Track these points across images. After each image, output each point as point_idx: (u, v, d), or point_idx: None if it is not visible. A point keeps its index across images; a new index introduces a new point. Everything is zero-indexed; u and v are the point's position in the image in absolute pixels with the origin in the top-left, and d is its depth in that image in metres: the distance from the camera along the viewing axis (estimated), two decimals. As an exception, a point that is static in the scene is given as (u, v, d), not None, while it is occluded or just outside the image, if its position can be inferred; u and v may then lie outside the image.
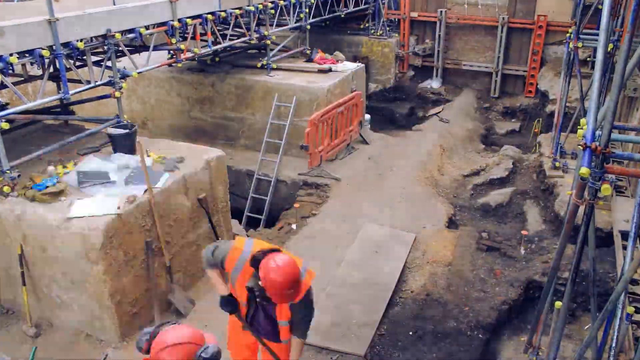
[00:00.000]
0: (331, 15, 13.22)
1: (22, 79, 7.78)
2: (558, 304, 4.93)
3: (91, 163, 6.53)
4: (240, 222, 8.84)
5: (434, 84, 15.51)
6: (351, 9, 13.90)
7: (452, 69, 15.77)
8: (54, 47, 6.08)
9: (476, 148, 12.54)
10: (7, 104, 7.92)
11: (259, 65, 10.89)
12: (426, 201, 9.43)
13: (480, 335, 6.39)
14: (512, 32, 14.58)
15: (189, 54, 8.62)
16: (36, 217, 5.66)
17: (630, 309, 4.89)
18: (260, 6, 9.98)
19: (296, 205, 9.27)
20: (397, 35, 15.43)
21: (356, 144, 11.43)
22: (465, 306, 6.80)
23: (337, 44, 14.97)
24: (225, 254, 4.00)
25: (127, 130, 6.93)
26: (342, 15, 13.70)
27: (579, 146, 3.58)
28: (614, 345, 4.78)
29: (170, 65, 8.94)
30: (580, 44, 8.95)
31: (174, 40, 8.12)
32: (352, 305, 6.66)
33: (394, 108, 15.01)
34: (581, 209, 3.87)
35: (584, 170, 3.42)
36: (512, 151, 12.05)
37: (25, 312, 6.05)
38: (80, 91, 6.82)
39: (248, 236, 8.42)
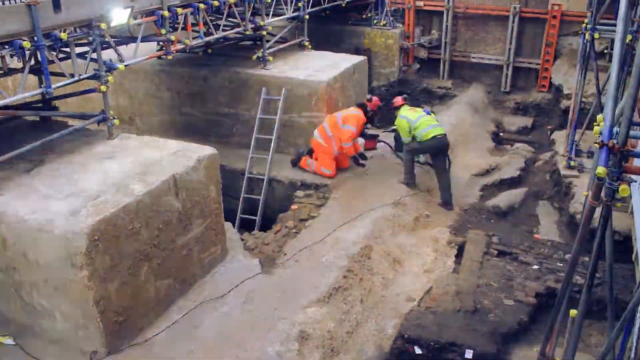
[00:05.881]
0: (331, 4, 13.22)
1: (2, 72, 7.76)
2: (573, 312, 4.94)
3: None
4: (234, 225, 8.83)
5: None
6: (352, -3, 13.92)
7: (459, 62, 15.75)
8: (35, 38, 6.07)
9: (486, 146, 12.54)
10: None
11: (254, 57, 10.89)
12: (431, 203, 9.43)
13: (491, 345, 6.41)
14: (524, 23, 14.56)
15: (179, 46, 8.61)
16: (17, 219, 5.66)
17: (650, 317, 4.89)
18: (256, -6, 9.98)
19: (294, 207, 9.27)
20: (401, 25, 15.42)
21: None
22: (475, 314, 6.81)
23: (338, 35, 14.98)
24: None
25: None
26: (343, 5, 13.68)
27: (596, 144, 3.59)
28: (632, 355, 4.78)
29: (159, 57, 8.94)
30: (597, 35, 8.96)
31: (163, 31, 8.11)
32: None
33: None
34: (598, 211, 3.88)
35: (601, 169, 3.43)
36: (524, 149, 12.07)
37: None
38: (63, 85, 6.82)
39: (242, 239, 8.42)
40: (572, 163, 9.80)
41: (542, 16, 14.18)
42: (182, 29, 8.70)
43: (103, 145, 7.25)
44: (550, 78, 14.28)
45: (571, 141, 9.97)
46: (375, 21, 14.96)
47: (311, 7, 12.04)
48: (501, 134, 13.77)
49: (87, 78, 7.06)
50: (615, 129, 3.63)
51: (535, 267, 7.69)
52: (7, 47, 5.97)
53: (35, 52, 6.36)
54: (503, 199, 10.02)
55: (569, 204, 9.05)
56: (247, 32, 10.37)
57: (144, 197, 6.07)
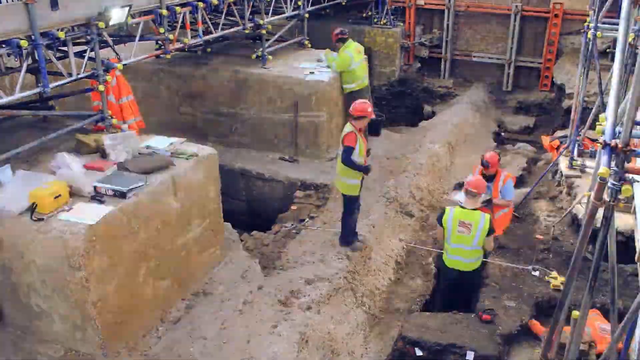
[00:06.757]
0: (331, 2, 13.21)
1: (-2, 71, 7.77)
2: (575, 314, 4.94)
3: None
4: (233, 226, 8.83)
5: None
6: (353, -5, 13.91)
7: (461, 61, 15.74)
8: (32, 37, 6.07)
9: (487, 146, 12.53)
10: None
11: (254, 56, 10.89)
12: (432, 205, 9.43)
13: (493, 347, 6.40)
14: (525, 21, 14.57)
15: (178, 45, 8.62)
16: (13, 219, 5.65)
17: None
18: (255, -7, 9.98)
19: (293, 207, 9.26)
20: (402, 24, 15.41)
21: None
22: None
23: (338, 34, 14.95)
24: None
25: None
26: (343, 3, 13.69)
27: (598, 144, 3.59)
28: (635, 357, 4.77)
29: (157, 56, 8.94)
30: (599, 34, 8.95)
31: (162, 30, 8.11)
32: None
33: (399, 103, 15.02)
34: (600, 212, 3.87)
35: (604, 170, 3.42)
36: (525, 149, 12.07)
37: None
38: (61, 84, 6.81)
39: (241, 240, 8.41)
40: (574, 163, 9.78)
41: (544, 14, 14.18)
42: (181, 27, 8.70)
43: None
44: (552, 77, 14.27)
45: (573, 141, 9.96)
46: (375, 20, 14.95)
47: (311, 6, 12.03)
48: (503, 134, 13.77)
49: (85, 77, 7.06)
50: (618, 128, 3.63)
51: (537, 267, 7.68)
52: (4, 46, 5.97)
53: (33, 51, 6.34)
54: (504, 199, 9.98)
55: (572, 205, 9.03)
56: (247, 31, 10.37)
57: (142, 197, 6.06)
